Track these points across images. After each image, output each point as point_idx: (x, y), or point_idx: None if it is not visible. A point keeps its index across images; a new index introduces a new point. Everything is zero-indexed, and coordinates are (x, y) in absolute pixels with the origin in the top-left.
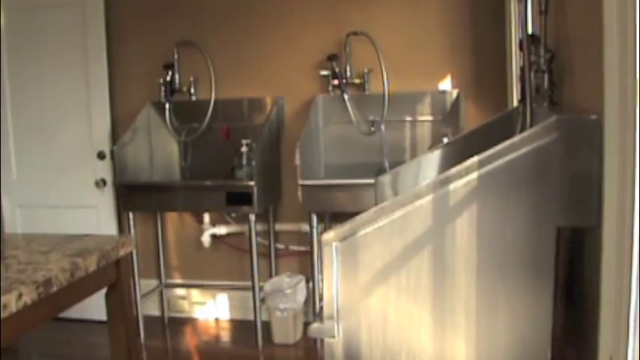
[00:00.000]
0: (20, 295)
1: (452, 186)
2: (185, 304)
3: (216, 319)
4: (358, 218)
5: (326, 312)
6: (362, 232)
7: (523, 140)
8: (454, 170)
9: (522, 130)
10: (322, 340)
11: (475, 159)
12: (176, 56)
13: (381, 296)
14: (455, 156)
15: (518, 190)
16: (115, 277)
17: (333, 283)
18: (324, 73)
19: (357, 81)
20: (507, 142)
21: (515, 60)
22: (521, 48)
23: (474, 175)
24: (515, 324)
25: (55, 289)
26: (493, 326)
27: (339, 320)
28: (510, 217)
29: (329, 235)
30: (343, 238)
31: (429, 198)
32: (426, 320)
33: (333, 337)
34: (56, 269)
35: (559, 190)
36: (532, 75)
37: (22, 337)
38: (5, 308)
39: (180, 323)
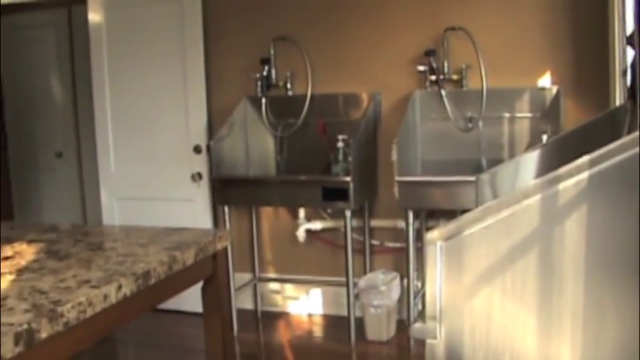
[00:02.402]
0: (120, 287)
1: (561, 185)
2: (278, 298)
3: (309, 314)
4: (463, 217)
5: (428, 312)
6: (467, 231)
7: (635, 140)
8: (564, 169)
9: (631, 128)
10: (422, 340)
11: (586, 158)
12: (272, 51)
13: (485, 297)
14: (555, 156)
15: (630, 191)
16: (211, 271)
17: (436, 283)
18: (421, 68)
19: (454, 77)
20: (619, 142)
21: (619, 56)
22: (629, 44)
23: (585, 174)
24: (624, 330)
25: (153, 281)
26: (600, 332)
27: (441, 321)
28: (620, 219)
29: (433, 234)
30: (448, 238)
31: (537, 197)
32: (530, 323)
33: (435, 337)
34: (155, 262)
35: None
36: None
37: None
38: (106, 299)
39: (273, 317)
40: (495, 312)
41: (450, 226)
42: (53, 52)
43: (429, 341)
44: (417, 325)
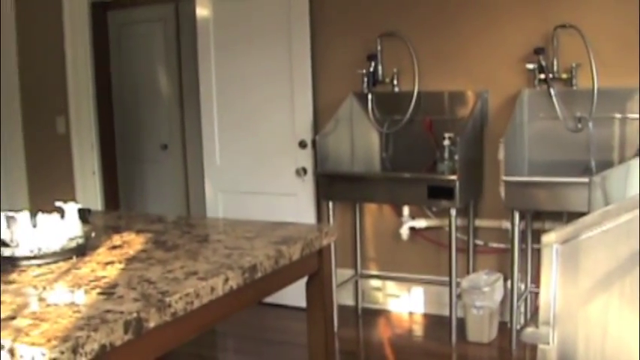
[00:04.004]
0: (227, 280)
1: None
2: (379, 295)
3: (410, 313)
4: (581, 220)
5: (541, 317)
6: (585, 235)
7: None
8: None
9: None
10: (524, 344)
11: None
12: (379, 47)
13: (601, 304)
14: None
15: None
16: (316, 267)
17: (551, 287)
18: (530, 66)
19: (564, 75)
20: None
21: None
22: None
23: None
24: None
25: (259, 275)
26: None
27: (554, 326)
28: None
29: (550, 237)
30: (565, 241)
31: None
32: None
33: (548, 343)
34: (261, 256)
35: None
36: None
37: None
38: (212, 291)
39: (374, 314)
40: (612, 320)
41: (567, 229)
42: (160, 47)
43: (540, 347)
44: (530, 329)
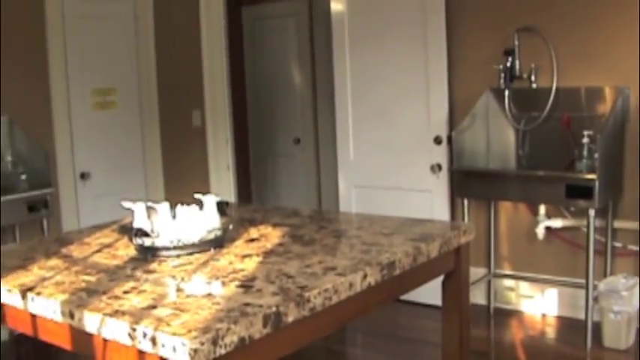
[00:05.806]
0: (365, 276)
1: None
2: (512, 295)
3: (543, 315)
4: None
5: None
6: None
7: None
8: None
9: None
10: None
11: None
12: (517, 42)
13: None
14: None
15: None
16: (453, 265)
17: None
18: None
19: None
20: None
21: None
22: None
23: None
24: None
25: (397, 272)
26: None
27: None
28: None
29: None
30: None
31: None
32: None
33: None
34: (400, 253)
35: None
36: None
37: None
38: (351, 287)
39: (506, 315)
40: None
41: None
42: (293, 41)
43: None
44: None
